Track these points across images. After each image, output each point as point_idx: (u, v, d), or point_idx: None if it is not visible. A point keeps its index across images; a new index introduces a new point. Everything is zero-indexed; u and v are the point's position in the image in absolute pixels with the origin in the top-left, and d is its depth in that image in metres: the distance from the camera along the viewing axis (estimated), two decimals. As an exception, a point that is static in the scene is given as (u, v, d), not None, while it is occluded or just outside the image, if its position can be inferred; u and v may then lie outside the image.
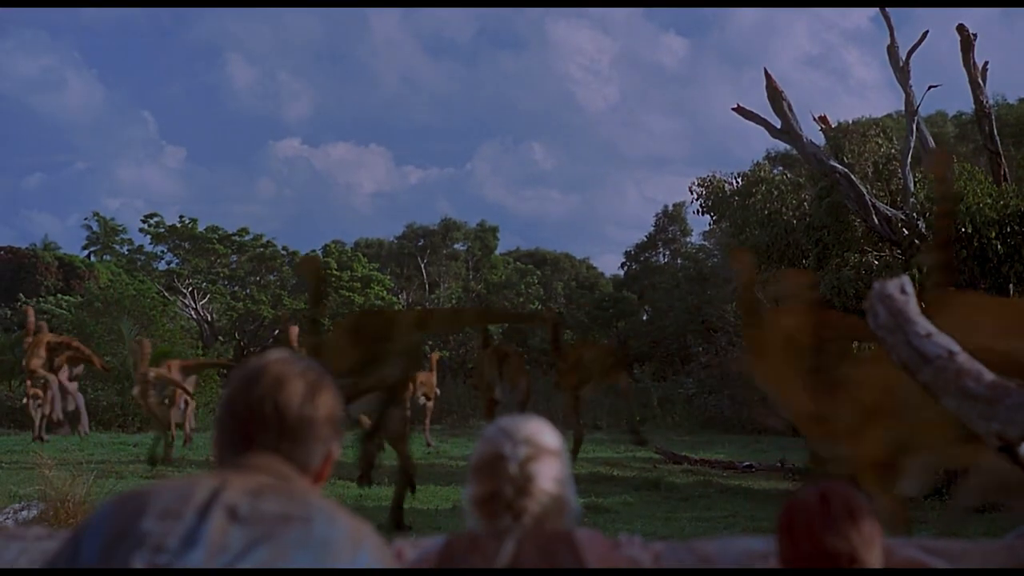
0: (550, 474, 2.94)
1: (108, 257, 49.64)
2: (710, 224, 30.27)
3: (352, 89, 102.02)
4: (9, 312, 41.81)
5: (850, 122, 22.67)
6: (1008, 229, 16.37)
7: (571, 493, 3.02)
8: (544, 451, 2.95)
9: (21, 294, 41.66)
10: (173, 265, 49.12)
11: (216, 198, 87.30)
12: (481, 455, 2.97)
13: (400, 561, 3.09)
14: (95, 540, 2.22)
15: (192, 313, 42.76)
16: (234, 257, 48.54)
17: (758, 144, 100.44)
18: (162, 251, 49.84)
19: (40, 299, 40.05)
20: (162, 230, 48.79)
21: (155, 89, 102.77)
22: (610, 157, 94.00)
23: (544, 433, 3.00)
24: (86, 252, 50.72)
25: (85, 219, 53.37)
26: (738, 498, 14.84)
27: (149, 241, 49.65)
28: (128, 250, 51.28)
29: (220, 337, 40.90)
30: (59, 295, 40.87)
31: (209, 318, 43.10)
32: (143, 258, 50.43)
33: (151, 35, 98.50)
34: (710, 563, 3.40)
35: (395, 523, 12.34)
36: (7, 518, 9.66)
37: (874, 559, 2.91)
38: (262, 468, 2.34)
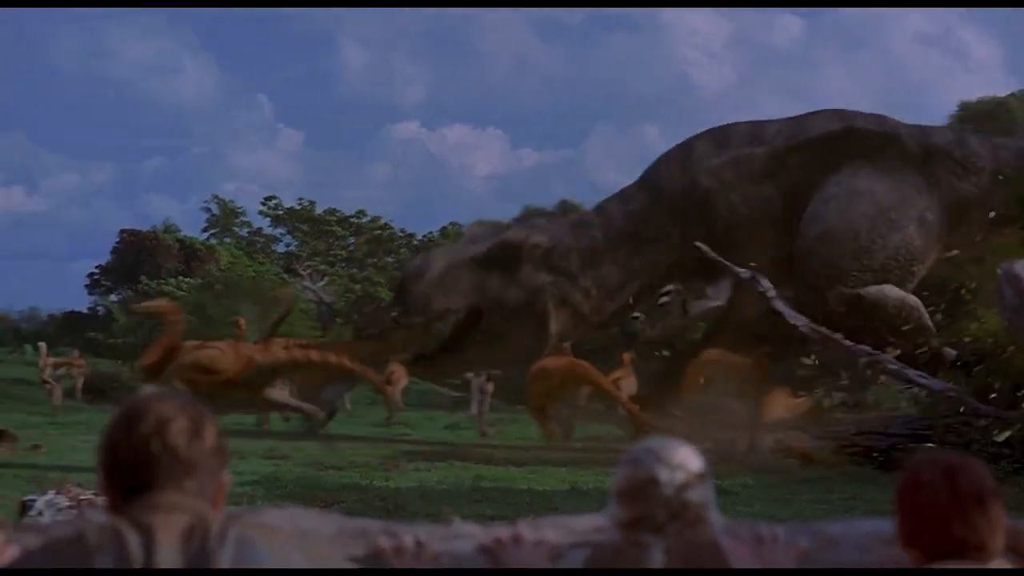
0: (703, 499, 2.89)
1: (228, 239, 49.61)
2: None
3: (465, 72, 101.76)
4: (131, 293, 41.72)
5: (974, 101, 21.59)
6: None
7: (716, 511, 2.96)
8: (697, 477, 2.90)
9: (143, 276, 41.59)
10: (292, 247, 48.96)
11: (331, 181, 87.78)
12: (630, 478, 2.89)
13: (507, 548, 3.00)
14: None
15: (310, 295, 42.35)
16: (352, 239, 48.30)
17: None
18: (281, 233, 49.68)
19: (161, 281, 39.95)
20: (281, 212, 48.67)
21: (270, 73, 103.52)
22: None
23: (694, 458, 2.93)
24: (206, 234, 50.79)
25: (204, 202, 53.52)
26: (859, 481, 14.21)
27: (268, 223, 49.52)
28: (247, 232, 51.28)
29: (338, 319, 40.43)
30: (180, 277, 40.77)
31: (327, 300, 42.67)
32: (262, 240, 50.40)
33: (266, 20, 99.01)
34: (834, 545, 3.27)
35: None
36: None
37: (999, 544, 2.80)
38: (175, 507, 2.32)
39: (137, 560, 2.22)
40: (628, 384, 18.86)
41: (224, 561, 2.24)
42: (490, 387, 21.97)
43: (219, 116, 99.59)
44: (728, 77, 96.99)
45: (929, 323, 18.39)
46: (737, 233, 18.37)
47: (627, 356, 19.66)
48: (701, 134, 19.48)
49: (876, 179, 18.35)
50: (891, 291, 18.14)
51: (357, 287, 42.34)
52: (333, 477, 13.56)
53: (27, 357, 41.99)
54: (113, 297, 47.26)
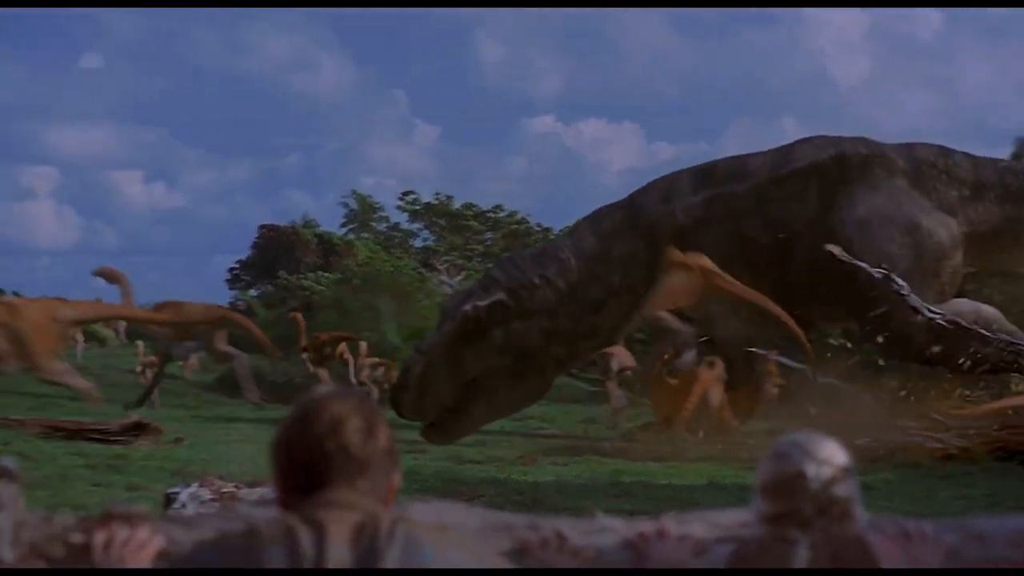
0: (849, 494, 2.88)
1: (366, 234, 50.02)
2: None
3: (601, 66, 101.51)
4: (271, 288, 42.27)
5: None
6: None
7: (861, 507, 2.94)
8: (843, 471, 2.88)
9: (282, 271, 42.11)
10: (429, 242, 49.21)
11: (467, 176, 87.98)
12: (776, 473, 2.89)
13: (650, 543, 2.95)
14: None
15: (448, 289, 42.44)
16: (489, 234, 48.43)
17: (1019, 118, 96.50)
18: (418, 228, 49.96)
19: (300, 276, 40.41)
20: (418, 207, 48.96)
21: (406, 68, 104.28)
22: (863, 133, 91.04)
23: (840, 452, 2.92)
24: (344, 229, 51.25)
25: (342, 197, 53.99)
26: (1002, 476, 13.88)
27: (406, 218, 49.84)
28: (385, 227, 51.69)
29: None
30: (318, 272, 41.18)
31: (464, 294, 42.75)
32: (400, 235, 50.76)
33: (402, 14, 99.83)
34: (983, 541, 3.12)
35: None
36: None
37: None
38: (347, 505, 2.36)
39: (308, 556, 2.24)
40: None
41: (391, 560, 2.25)
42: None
43: (356, 111, 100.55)
44: (865, 70, 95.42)
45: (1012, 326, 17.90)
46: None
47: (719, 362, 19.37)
48: (689, 168, 19.23)
49: (871, 195, 17.94)
50: (963, 304, 17.82)
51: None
52: (472, 471, 13.57)
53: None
54: (252, 292, 47.91)
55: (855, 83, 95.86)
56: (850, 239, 17.32)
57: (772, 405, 19.45)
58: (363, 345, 23.59)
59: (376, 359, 23.32)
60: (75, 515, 2.84)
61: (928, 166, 18.23)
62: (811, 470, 2.86)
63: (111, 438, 14.21)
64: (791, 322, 17.37)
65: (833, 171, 18.10)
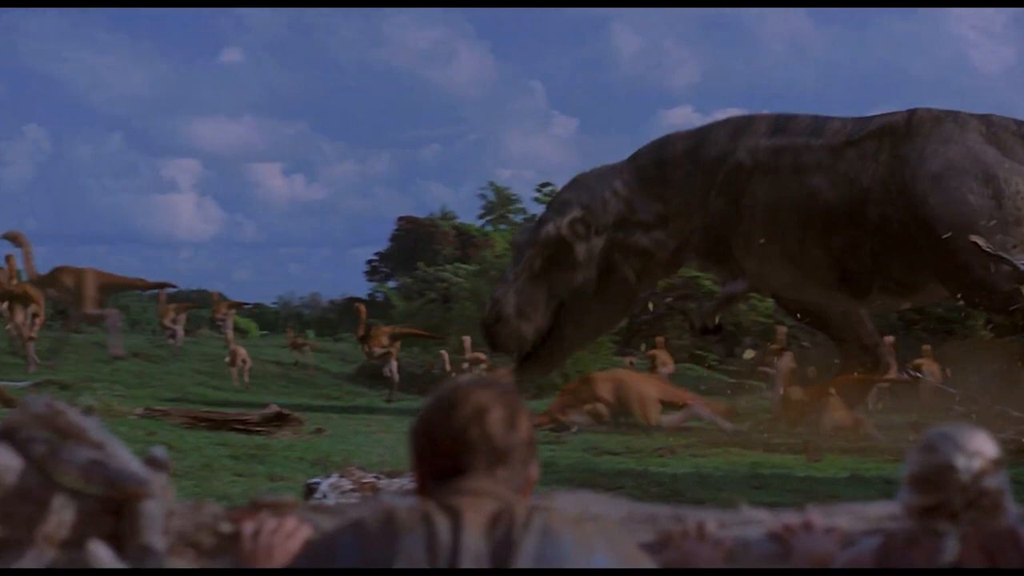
0: (999, 487, 2.82)
1: (503, 226, 50.08)
2: None
3: (738, 56, 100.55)
4: (409, 280, 42.57)
5: None
6: None
7: (1011, 500, 2.87)
8: (993, 463, 2.82)
9: (420, 262, 42.41)
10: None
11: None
12: (926, 464, 2.83)
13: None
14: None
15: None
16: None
17: None
18: (557, 219, 49.83)
19: (438, 267, 40.64)
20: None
21: (543, 60, 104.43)
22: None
23: (990, 444, 2.86)
24: (482, 221, 51.43)
25: (480, 189, 54.15)
26: None
27: (543, 210, 49.78)
28: (523, 219, 51.68)
29: (613, 305, 40.35)
30: (456, 263, 41.37)
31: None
32: (541, 225, 50.55)
33: (539, 6, 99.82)
34: None
35: None
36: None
37: None
38: (484, 493, 2.36)
39: (444, 544, 2.24)
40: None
41: (527, 550, 2.24)
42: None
43: (493, 103, 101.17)
44: (1009, 58, 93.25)
45: None
46: (758, 215, 17.91)
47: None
48: (768, 114, 19.11)
49: (944, 148, 17.51)
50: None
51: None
52: (610, 462, 13.53)
53: (310, 342, 43.38)
54: (391, 283, 48.39)
55: (997, 70, 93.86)
56: (925, 194, 17.15)
57: (912, 398, 19.20)
58: (467, 340, 23.66)
59: (477, 354, 23.32)
60: (222, 504, 2.87)
61: (1003, 129, 17.82)
62: (961, 462, 2.82)
63: (253, 428, 14.41)
64: None
65: (903, 128, 17.82)
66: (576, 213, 18.27)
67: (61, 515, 2.59)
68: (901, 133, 17.81)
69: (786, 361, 18.08)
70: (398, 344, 24.68)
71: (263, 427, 14.45)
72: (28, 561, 2.53)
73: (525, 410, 2.52)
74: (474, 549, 2.23)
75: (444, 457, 2.43)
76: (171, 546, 2.66)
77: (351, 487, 8.96)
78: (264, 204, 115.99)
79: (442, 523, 2.26)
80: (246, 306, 39.12)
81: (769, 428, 17.08)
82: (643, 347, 29.12)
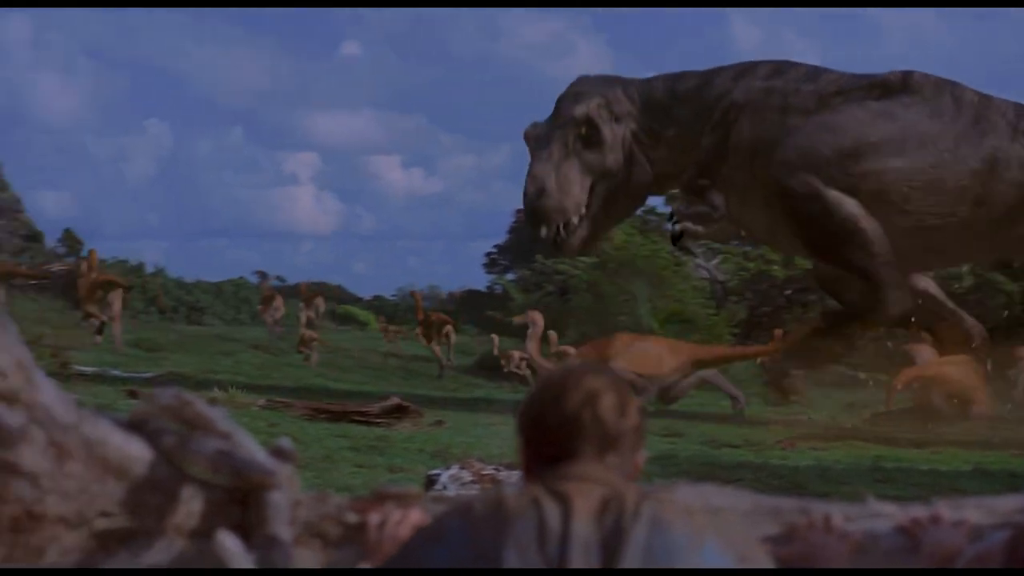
0: None
1: (621, 218, 49.89)
2: None
3: (859, 46, 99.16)
4: (528, 272, 42.64)
5: None
6: None
7: None
8: None
9: (538, 255, 42.45)
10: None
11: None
12: None
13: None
14: (446, 562, 2.28)
15: (704, 273, 42.17)
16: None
17: None
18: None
19: (556, 260, 40.64)
20: (674, 190, 48.60)
21: (661, 51, 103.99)
22: None
23: None
24: (600, 214, 51.22)
25: (597, 181, 53.92)
26: None
27: (663, 201, 49.59)
28: (641, 211, 51.45)
29: (732, 297, 40.13)
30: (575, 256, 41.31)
31: (721, 278, 42.39)
32: (656, 219, 50.48)
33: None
34: None
35: None
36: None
37: None
38: (594, 479, 2.36)
39: (554, 530, 2.23)
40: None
41: (636, 540, 2.21)
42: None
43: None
44: None
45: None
46: (740, 153, 17.53)
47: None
48: (772, 60, 18.87)
49: (917, 110, 17.04)
50: (849, 204, 16.77)
51: (751, 265, 41.85)
52: (729, 455, 13.45)
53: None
54: (509, 276, 48.48)
55: None
56: (850, 115, 17.14)
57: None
58: (553, 335, 23.56)
59: (564, 348, 23.18)
60: (344, 496, 2.91)
61: (999, 115, 17.13)
62: None
63: (373, 420, 14.52)
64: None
65: (897, 85, 17.43)
66: (597, 99, 18.44)
67: (190, 505, 2.62)
68: (895, 91, 17.45)
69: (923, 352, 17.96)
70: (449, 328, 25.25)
71: (383, 419, 14.56)
72: (157, 551, 2.57)
73: (635, 398, 2.52)
74: (583, 537, 2.22)
75: (553, 441, 2.43)
76: (297, 536, 2.68)
77: (471, 479, 9.00)
78: (383, 197, 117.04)
79: (552, 509, 2.26)
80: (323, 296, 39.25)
81: (884, 421, 16.90)
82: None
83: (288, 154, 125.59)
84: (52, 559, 2.51)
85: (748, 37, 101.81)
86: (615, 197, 18.62)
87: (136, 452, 2.62)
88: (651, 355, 18.10)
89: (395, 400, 15.10)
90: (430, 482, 8.92)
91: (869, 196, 16.70)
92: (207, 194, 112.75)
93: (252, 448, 2.66)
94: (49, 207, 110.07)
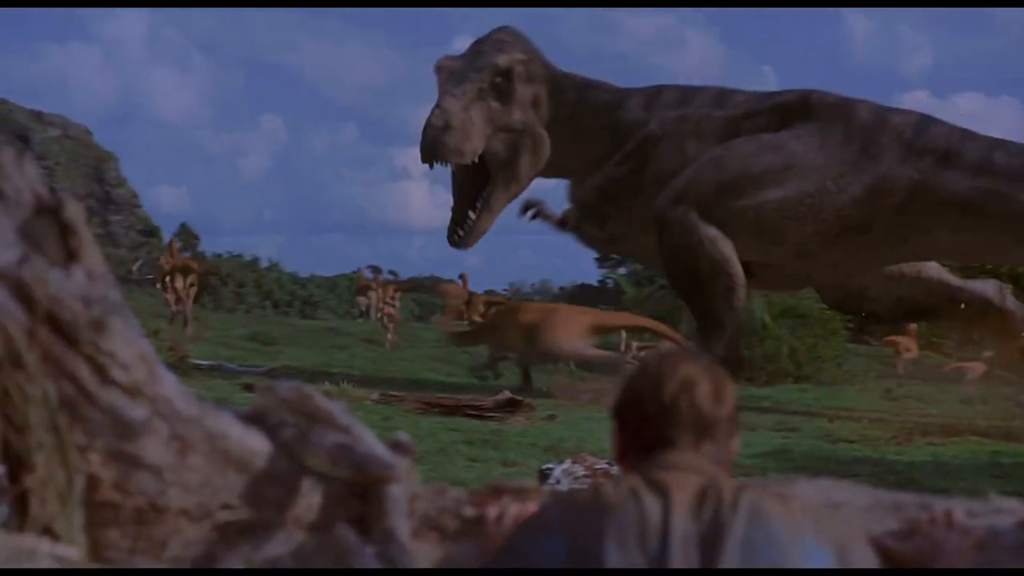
0: None
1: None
2: None
3: (976, 39, 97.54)
4: (639, 267, 42.50)
5: None
6: None
7: None
8: None
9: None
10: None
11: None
12: None
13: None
14: (548, 553, 2.26)
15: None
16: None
17: None
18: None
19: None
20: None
21: (774, 45, 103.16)
22: None
23: None
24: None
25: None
26: None
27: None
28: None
29: (847, 292, 39.67)
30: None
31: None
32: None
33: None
34: None
35: None
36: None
37: None
38: (690, 468, 2.35)
39: (653, 522, 2.23)
40: None
41: (735, 533, 2.18)
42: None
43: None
44: None
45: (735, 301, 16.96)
46: (662, 182, 17.11)
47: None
48: (676, 85, 18.67)
49: (806, 141, 16.82)
50: (724, 247, 16.56)
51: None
52: (844, 450, 13.27)
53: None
54: (622, 270, 48.30)
55: None
56: (736, 147, 16.99)
57: None
58: (623, 334, 23.25)
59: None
60: (461, 490, 2.92)
61: (893, 136, 16.79)
62: None
63: (486, 414, 14.56)
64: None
65: (798, 108, 17.32)
66: (522, 55, 18.17)
67: (309, 498, 2.64)
68: (795, 113, 17.37)
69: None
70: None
71: (496, 413, 14.59)
72: (277, 543, 2.60)
73: (730, 384, 2.52)
74: (683, 531, 2.21)
75: (650, 429, 2.44)
76: (415, 529, 2.70)
77: (584, 473, 9.00)
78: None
79: (651, 502, 2.25)
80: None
81: None
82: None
83: (400, 149, 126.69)
84: (175, 552, 2.54)
85: (861, 29, 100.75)
86: (516, 153, 18.36)
87: (256, 445, 2.64)
88: (566, 320, 18.26)
89: (508, 394, 15.13)
90: (543, 476, 8.93)
91: (745, 229, 16.59)
92: (321, 189, 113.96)
93: (371, 442, 2.67)
94: (165, 202, 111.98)
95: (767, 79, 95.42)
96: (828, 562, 2.25)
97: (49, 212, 2.43)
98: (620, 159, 17.86)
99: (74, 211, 2.43)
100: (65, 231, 2.44)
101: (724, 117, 17.71)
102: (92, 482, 2.47)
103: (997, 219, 16.11)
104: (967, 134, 16.80)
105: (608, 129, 18.10)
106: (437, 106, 18.09)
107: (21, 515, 2.40)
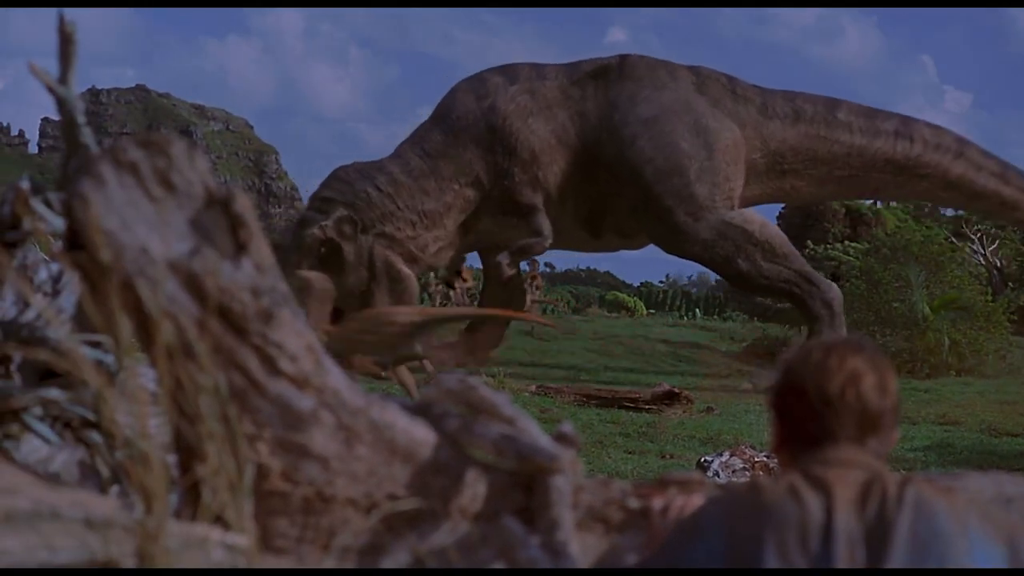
0: None
1: (894, 203, 48.81)
2: None
3: None
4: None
5: None
6: None
7: None
8: None
9: (809, 240, 41.94)
10: (961, 211, 47.47)
11: (1002, 143, 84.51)
12: None
13: None
14: (706, 555, 2.23)
15: (981, 259, 40.89)
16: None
17: None
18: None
19: (828, 246, 40.08)
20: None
21: (933, 34, 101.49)
22: None
23: None
24: (871, 199, 50.28)
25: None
26: None
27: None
28: (913, 196, 50.28)
29: (1009, 284, 38.81)
30: (846, 242, 40.65)
31: (998, 264, 41.02)
32: (929, 204, 49.16)
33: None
34: None
35: None
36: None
37: None
38: (853, 463, 2.29)
39: (815, 520, 2.18)
40: None
41: (901, 530, 2.13)
42: None
43: (882, 78, 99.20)
44: None
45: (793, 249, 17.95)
46: (543, 157, 17.64)
47: None
48: (489, 69, 18.64)
49: (657, 94, 17.68)
50: (750, 213, 17.67)
51: (1030, 251, 40.50)
52: (1008, 444, 12.98)
53: (697, 321, 43.50)
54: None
55: None
56: (635, 136, 17.38)
57: None
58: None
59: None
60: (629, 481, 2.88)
61: (713, 81, 18.21)
62: None
63: (643, 406, 14.54)
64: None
65: (615, 72, 18.01)
66: (340, 209, 17.26)
67: (474, 489, 2.65)
68: (613, 76, 18.05)
69: None
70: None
71: (653, 405, 14.57)
72: (444, 533, 2.60)
73: (894, 375, 2.45)
74: (847, 530, 2.17)
75: (814, 422, 2.38)
76: (580, 520, 2.69)
77: (742, 466, 8.94)
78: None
79: (812, 500, 2.21)
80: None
81: None
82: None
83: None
84: (343, 541, 2.57)
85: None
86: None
87: (421, 436, 2.66)
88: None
89: (665, 386, 15.09)
90: (701, 469, 8.89)
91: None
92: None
93: (535, 433, 2.67)
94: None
95: (926, 68, 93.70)
96: (996, 555, 2.18)
97: (219, 205, 2.47)
98: (500, 155, 17.90)
99: (243, 203, 2.46)
100: (235, 223, 2.47)
101: (555, 86, 18.32)
102: (261, 471, 2.51)
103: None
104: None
105: (466, 147, 18.07)
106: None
107: (192, 504, 2.44)
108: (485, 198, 17.91)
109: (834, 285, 18.31)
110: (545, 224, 17.82)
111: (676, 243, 18.02)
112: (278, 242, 17.17)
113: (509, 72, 18.58)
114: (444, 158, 17.91)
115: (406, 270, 17.68)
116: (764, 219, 18.24)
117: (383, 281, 17.34)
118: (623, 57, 18.35)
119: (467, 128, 18.00)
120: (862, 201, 48.84)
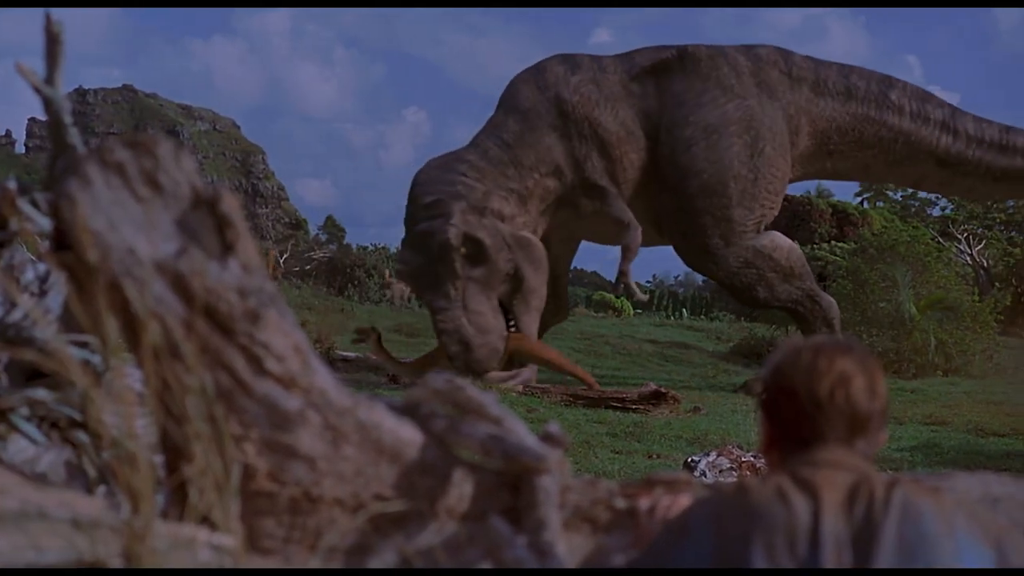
0: None
1: (881, 203, 49.00)
2: None
3: None
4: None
5: None
6: None
7: None
8: None
9: (796, 241, 42.06)
10: (947, 211, 47.63)
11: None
12: None
13: None
14: (693, 557, 2.24)
15: (967, 259, 40.98)
16: (1011, 201, 46.28)
17: None
18: (936, 196, 48.57)
19: (814, 246, 40.15)
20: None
21: (919, 35, 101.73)
22: None
23: None
24: (858, 199, 50.49)
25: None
26: None
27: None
28: (901, 196, 50.47)
29: (996, 284, 38.90)
30: (832, 242, 40.72)
31: (985, 264, 41.12)
32: (917, 204, 49.36)
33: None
34: None
35: None
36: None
37: None
38: (841, 465, 2.30)
39: (802, 523, 2.18)
40: None
41: (888, 531, 2.13)
42: None
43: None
44: None
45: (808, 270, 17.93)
46: (619, 147, 17.58)
47: None
48: (548, 59, 18.50)
49: (724, 99, 17.54)
50: (780, 239, 17.68)
51: (1016, 251, 40.56)
52: (995, 444, 13.01)
53: (684, 321, 43.52)
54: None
55: None
56: (692, 140, 17.32)
57: None
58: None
59: None
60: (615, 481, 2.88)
61: (771, 66, 18.04)
62: None
63: (630, 406, 14.55)
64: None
65: (677, 66, 17.88)
66: (458, 205, 16.84)
67: (461, 489, 2.65)
68: (676, 71, 17.91)
69: None
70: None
71: (640, 405, 14.57)
72: (430, 533, 2.61)
73: (882, 376, 2.45)
74: (834, 533, 2.17)
75: (803, 424, 2.37)
76: (567, 520, 2.69)
77: (729, 466, 8.94)
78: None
79: (800, 503, 2.21)
80: None
81: None
82: None
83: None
84: (330, 542, 2.57)
85: (1009, 17, 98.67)
86: (525, 287, 17.34)
87: (408, 436, 2.65)
88: None
89: (652, 386, 15.09)
90: (688, 469, 8.89)
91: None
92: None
93: (523, 433, 2.67)
94: (311, 195, 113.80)
95: (912, 69, 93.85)
96: (982, 556, 2.19)
97: (206, 205, 2.47)
98: (576, 144, 17.76)
99: (230, 204, 2.46)
100: (222, 224, 2.47)
101: (617, 80, 18.12)
102: (248, 472, 2.50)
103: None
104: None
105: (543, 138, 17.88)
106: (439, 330, 16.83)
107: (179, 504, 2.44)
108: (564, 188, 17.81)
109: (833, 302, 18.37)
110: (626, 210, 17.57)
111: (701, 262, 18.06)
112: (412, 271, 17.11)
113: (569, 61, 18.42)
114: (523, 146, 17.74)
115: (528, 235, 17.59)
116: (791, 244, 18.31)
117: (519, 252, 17.19)
118: (681, 50, 18.03)
119: (541, 116, 17.84)
120: (848, 200, 48.99)
